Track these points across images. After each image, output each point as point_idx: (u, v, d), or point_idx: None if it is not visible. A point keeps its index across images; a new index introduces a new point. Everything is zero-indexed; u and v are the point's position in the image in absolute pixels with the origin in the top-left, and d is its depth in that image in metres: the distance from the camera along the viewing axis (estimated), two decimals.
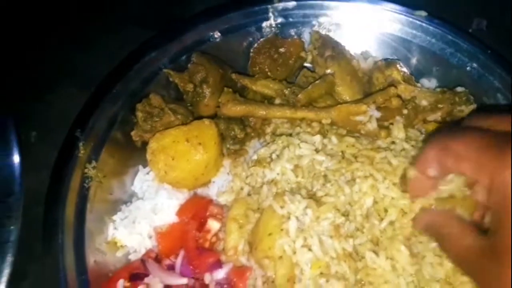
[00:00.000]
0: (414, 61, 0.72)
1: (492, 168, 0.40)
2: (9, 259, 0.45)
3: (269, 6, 0.73)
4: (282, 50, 0.74)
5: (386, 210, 0.56)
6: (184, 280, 0.53)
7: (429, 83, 0.71)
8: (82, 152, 0.60)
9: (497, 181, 0.40)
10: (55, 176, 0.58)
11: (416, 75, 0.72)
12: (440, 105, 0.64)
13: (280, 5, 0.73)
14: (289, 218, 0.54)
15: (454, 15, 0.76)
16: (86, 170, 0.60)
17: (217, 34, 0.72)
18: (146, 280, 0.53)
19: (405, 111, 0.64)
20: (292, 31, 0.75)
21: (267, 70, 0.74)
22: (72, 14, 0.74)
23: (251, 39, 0.74)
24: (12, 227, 0.46)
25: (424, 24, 0.71)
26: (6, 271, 0.44)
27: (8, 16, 0.70)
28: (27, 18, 0.72)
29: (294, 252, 0.53)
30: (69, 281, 0.52)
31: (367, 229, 0.55)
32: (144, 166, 0.67)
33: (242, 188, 0.63)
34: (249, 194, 0.62)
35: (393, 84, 0.66)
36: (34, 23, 0.72)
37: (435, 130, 0.63)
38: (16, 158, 0.51)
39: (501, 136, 0.42)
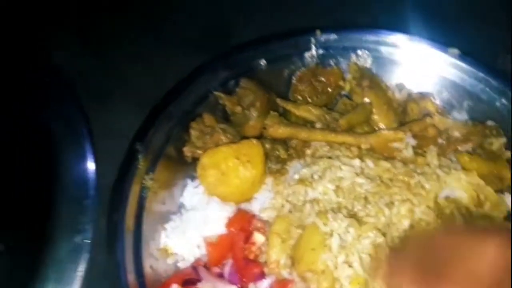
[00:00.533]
0: (446, 95, 0.77)
1: None
2: (85, 255, 0.50)
3: (312, 38, 0.79)
4: (322, 79, 0.80)
5: None
6: (233, 287, 0.58)
7: (460, 116, 0.76)
8: (141, 164, 0.66)
9: None
10: (117, 184, 0.64)
11: (448, 108, 0.77)
12: (471, 137, 0.69)
13: (322, 38, 0.79)
14: (331, 235, 0.58)
15: (481, 51, 0.81)
16: (144, 181, 0.66)
17: (263, 62, 0.78)
18: (199, 285, 0.57)
19: (439, 141, 0.69)
20: (332, 62, 0.80)
21: (307, 97, 0.80)
22: (133, 37, 0.81)
23: (293, 67, 0.80)
24: (87, 227, 0.52)
25: (456, 61, 0.77)
26: (83, 267, 0.50)
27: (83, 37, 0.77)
28: (97, 40, 0.79)
29: (336, 267, 0.57)
30: (130, 283, 0.57)
31: None
32: (192, 179, 0.73)
33: (283, 206, 0.68)
34: (289, 211, 0.67)
35: (428, 115, 0.71)
36: (101, 43, 0.79)
37: None
38: (91, 165, 0.57)
39: None
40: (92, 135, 0.61)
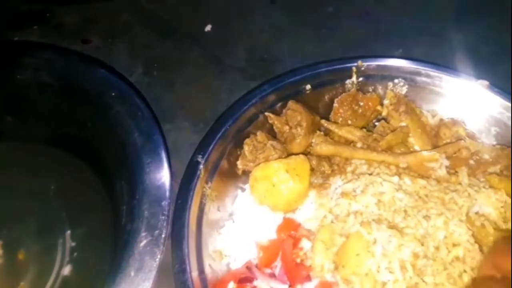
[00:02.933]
0: (475, 121, 0.84)
1: None
2: (161, 248, 0.58)
3: (353, 67, 0.88)
4: (361, 103, 0.88)
5: (454, 245, 0.66)
6: (285, 286, 0.65)
7: (488, 141, 0.83)
8: (202, 174, 0.75)
9: None
10: (183, 190, 0.72)
11: (477, 133, 0.84)
12: (500, 160, 0.75)
13: (363, 66, 0.88)
14: (375, 243, 0.65)
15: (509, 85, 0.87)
16: (204, 189, 0.75)
17: (308, 87, 0.87)
18: (255, 282, 0.65)
19: (471, 162, 0.76)
20: (371, 88, 0.89)
21: (347, 119, 0.88)
22: (194, 64, 0.92)
23: (335, 92, 0.89)
24: (164, 224, 0.60)
25: (486, 91, 0.84)
26: (159, 258, 0.58)
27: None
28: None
29: (378, 272, 0.63)
30: (193, 278, 0.65)
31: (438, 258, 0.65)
32: (243, 191, 0.81)
33: (325, 216, 0.74)
34: (332, 222, 0.74)
35: (460, 138, 0.78)
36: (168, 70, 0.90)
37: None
38: (167, 172, 0.66)
39: None
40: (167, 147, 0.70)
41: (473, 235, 0.69)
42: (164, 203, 0.61)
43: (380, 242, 0.64)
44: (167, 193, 0.63)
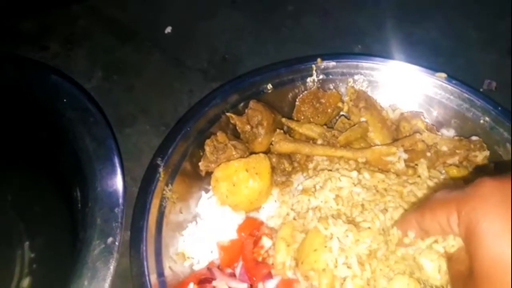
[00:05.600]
0: (435, 114, 0.85)
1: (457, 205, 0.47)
2: (115, 255, 0.58)
3: (313, 65, 0.89)
4: (322, 100, 0.88)
5: None
6: (244, 285, 0.65)
7: (448, 132, 0.84)
8: (162, 176, 0.74)
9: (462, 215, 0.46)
10: (141, 194, 0.71)
11: (437, 125, 0.85)
12: (457, 151, 0.76)
13: (322, 65, 0.88)
14: (331, 238, 0.65)
15: (469, 77, 0.89)
16: (164, 192, 0.74)
17: (269, 86, 0.88)
18: (213, 283, 0.64)
19: (428, 154, 0.77)
20: (331, 86, 0.90)
21: (309, 116, 0.88)
22: (154, 67, 0.92)
23: (297, 91, 0.89)
24: (118, 231, 0.59)
25: (444, 84, 0.85)
26: (112, 265, 0.57)
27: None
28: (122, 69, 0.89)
29: (336, 267, 0.64)
30: (152, 281, 0.64)
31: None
32: (206, 192, 0.81)
33: (288, 214, 0.75)
34: (294, 219, 0.74)
35: (418, 131, 0.79)
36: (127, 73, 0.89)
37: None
38: (120, 178, 0.65)
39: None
40: (120, 152, 0.69)
41: None
42: (117, 209, 0.61)
43: (336, 237, 0.65)
44: (120, 200, 0.62)
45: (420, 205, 0.57)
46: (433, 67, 0.87)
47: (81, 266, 0.57)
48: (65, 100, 0.67)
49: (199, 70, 0.93)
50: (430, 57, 0.94)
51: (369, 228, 0.65)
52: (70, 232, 0.67)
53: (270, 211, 0.77)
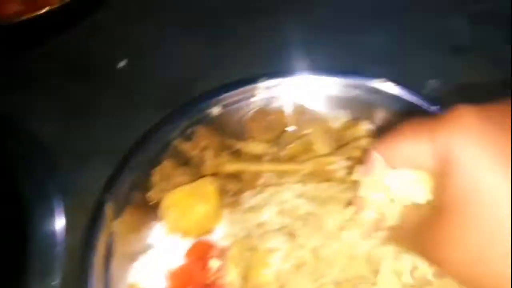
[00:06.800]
0: (376, 119, 0.87)
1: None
2: None
3: (257, 86, 0.91)
4: (269, 118, 0.90)
5: None
6: None
7: None
8: (109, 210, 0.75)
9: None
10: (87, 232, 0.73)
11: (379, 130, 0.86)
12: None
13: (265, 84, 0.91)
14: (271, 252, 0.66)
15: (413, 80, 0.91)
16: (112, 227, 0.75)
17: (216, 110, 0.90)
18: None
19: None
20: (277, 103, 0.92)
21: (258, 135, 0.90)
22: (105, 100, 0.95)
23: (244, 111, 0.92)
24: (57, 272, 0.60)
25: (383, 89, 0.87)
26: None
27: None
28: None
29: (278, 280, 0.64)
30: None
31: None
32: (159, 220, 0.81)
33: (238, 233, 0.76)
34: (246, 237, 0.75)
35: (357, 138, 0.80)
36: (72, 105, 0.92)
37: None
38: (60, 219, 0.67)
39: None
40: (63, 192, 0.71)
41: None
42: (57, 252, 0.62)
43: (275, 252, 0.65)
44: (60, 241, 0.63)
45: (383, 139, 0.51)
46: (375, 74, 0.89)
47: None
48: (8, 141, 0.69)
49: (151, 101, 0.96)
50: (372, 64, 0.96)
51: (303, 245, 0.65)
52: (10, 277, 0.67)
53: (223, 233, 0.78)
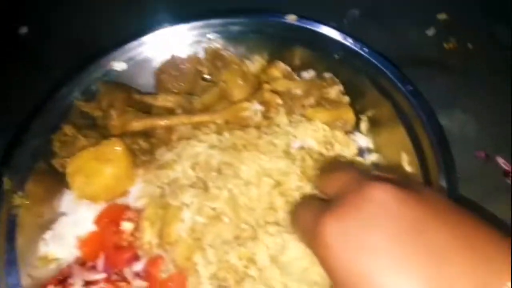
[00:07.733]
0: (294, 58, 0.83)
1: None
2: None
3: (163, 32, 0.83)
4: (182, 67, 0.84)
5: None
6: (102, 275, 0.62)
7: (308, 74, 0.82)
8: (8, 184, 0.69)
9: None
10: None
11: (298, 70, 0.83)
12: (311, 91, 0.75)
13: (173, 29, 0.83)
14: (181, 208, 0.63)
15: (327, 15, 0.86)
16: (12, 200, 0.69)
17: (121, 64, 0.82)
18: (69, 281, 0.61)
19: (279, 101, 0.74)
20: (188, 50, 0.85)
21: (171, 87, 0.84)
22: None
23: (153, 63, 0.85)
24: None
25: (296, 26, 0.82)
26: None
27: None
28: None
29: (189, 236, 0.62)
30: None
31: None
32: (68, 188, 0.76)
33: (153, 192, 0.72)
34: (161, 196, 0.71)
35: (269, 81, 0.76)
36: None
37: None
38: None
39: None
40: None
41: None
42: None
43: (185, 206, 0.62)
44: None
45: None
46: (283, 10, 0.84)
47: None
48: None
49: (58, 67, 0.86)
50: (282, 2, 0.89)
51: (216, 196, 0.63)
52: None
53: (138, 193, 0.74)
